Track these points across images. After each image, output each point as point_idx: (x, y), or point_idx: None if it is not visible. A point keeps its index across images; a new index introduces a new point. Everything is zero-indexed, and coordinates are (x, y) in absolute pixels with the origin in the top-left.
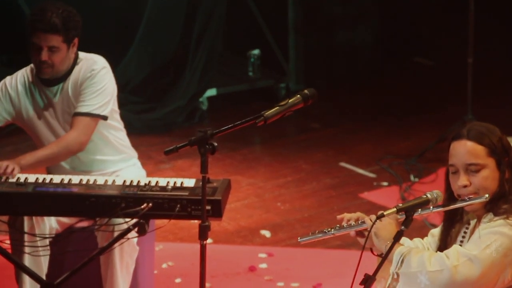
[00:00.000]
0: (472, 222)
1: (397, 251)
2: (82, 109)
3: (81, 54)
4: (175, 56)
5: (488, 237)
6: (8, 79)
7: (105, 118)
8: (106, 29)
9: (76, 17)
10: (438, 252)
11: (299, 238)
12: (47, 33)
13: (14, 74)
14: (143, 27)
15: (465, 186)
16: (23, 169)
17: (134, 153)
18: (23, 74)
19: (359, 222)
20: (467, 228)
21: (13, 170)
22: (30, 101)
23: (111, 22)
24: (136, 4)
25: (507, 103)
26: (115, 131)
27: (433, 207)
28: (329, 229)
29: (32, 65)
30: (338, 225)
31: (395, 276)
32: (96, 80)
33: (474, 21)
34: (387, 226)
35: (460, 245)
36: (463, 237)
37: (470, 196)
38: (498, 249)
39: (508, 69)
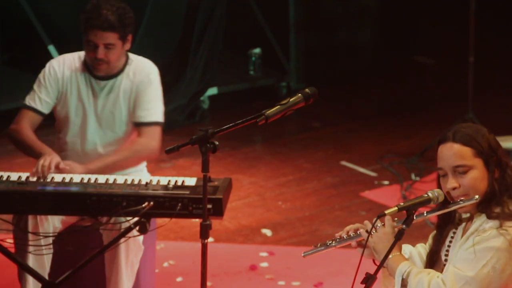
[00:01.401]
0: (464, 221)
1: (398, 270)
2: (148, 118)
3: (132, 55)
4: (176, 55)
5: (484, 255)
6: (54, 62)
7: (163, 124)
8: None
9: (130, 13)
10: (435, 274)
11: (303, 253)
12: (104, 30)
13: (60, 58)
14: (144, 26)
15: (454, 189)
16: (90, 173)
17: (144, 162)
18: (70, 59)
19: (358, 232)
20: (456, 228)
21: (57, 164)
22: (75, 88)
23: None
24: (137, 3)
25: (508, 102)
26: None
27: (426, 212)
28: (330, 241)
29: (79, 53)
30: (338, 237)
31: None
32: (155, 86)
33: (475, 20)
34: (383, 238)
35: (449, 245)
36: (452, 237)
37: (462, 199)
38: (495, 266)
39: (509, 68)
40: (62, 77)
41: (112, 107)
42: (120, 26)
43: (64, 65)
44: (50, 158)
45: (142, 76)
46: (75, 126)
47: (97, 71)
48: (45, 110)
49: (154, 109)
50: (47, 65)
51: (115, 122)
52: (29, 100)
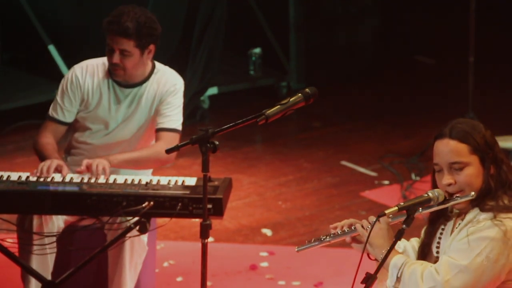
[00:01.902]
0: (454, 216)
1: (392, 263)
2: (170, 124)
3: (159, 65)
4: (176, 54)
5: (478, 244)
6: (77, 68)
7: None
8: (158, 34)
9: (154, 24)
10: (429, 265)
11: (296, 248)
12: (119, 36)
13: (83, 64)
14: None
15: (449, 185)
16: (113, 166)
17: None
18: (93, 66)
19: (352, 228)
20: (445, 223)
21: (104, 168)
22: (97, 94)
23: None
24: (137, 3)
25: (508, 101)
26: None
27: (421, 208)
28: (324, 237)
29: (103, 59)
30: (332, 233)
31: None
32: (179, 95)
33: (475, 20)
34: (378, 233)
35: (440, 238)
36: (443, 228)
37: (457, 195)
38: (489, 256)
39: (509, 67)
40: (84, 84)
41: (132, 115)
42: (137, 35)
43: (87, 72)
44: (51, 161)
45: (168, 86)
46: (93, 131)
47: (114, 76)
48: (69, 119)
49: (176, 116)
50: (70, 72)
51: (133, 130)
52: (52, 112)
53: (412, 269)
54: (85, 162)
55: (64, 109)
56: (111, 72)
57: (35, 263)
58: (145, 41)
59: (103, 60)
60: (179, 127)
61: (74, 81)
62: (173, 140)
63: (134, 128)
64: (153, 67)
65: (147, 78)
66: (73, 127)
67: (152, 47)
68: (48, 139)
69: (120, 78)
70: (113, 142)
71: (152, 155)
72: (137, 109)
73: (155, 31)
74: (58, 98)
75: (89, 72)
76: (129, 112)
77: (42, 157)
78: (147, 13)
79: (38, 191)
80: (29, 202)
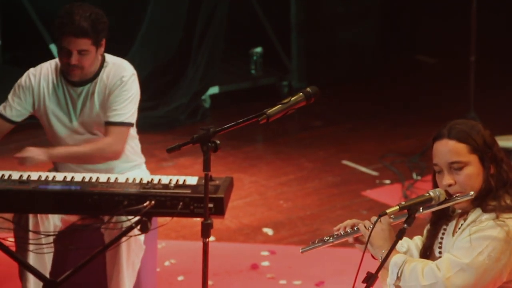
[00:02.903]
0: (455, 216)
1: (392, 261)
2: (116, 118)
3: (108, 57)
4: (177, 54)
5: (479, 243)
6: (32, 71)
7: (133, 125)
8: (108, 27)
9: (104, 18)
10: (430, 262)
11: (300, 249)
12: (77, 37)
13: (38, 67)
14: (146, 25)
15: (450, 185)
16: (52, 159)
17: (142, 159)
18: (47, 68)
19: (355, 228)
20: (447, 224)
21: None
22: (53, 97)
23: (113, 20)
24: (139, 2)
25: (509, 101)
26: (130, 140)
27: (422, 208)
28: (328, 238)
29: (56, 60)
30: (336, 233)
31: None
32: (127, 87)
33: (477, 19)
34: (380, 234)
35: (442, 238)
36: (444, 228)
37: (458, 195)
38: (491, 254)
39: (510, 67)
40: (38, 87)
41: (90, 111)
42: (93, 32)
43: (41, 75)
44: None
45: (115, 78)
46: (59, 133)
47: (71, 76)
48: (16, 118)
49: (123, 109)
50: (25, 74)
51: (93, 126)
52: (1, 107)
53: (412, 266)
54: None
55: (13, 107)
56: (67, 73)
57: (32, 262)
58: (100, 37)
59: (56, 61)
60: (128, 120)
61: (27, 84)
62: (120, 134)
63: (97, 125)
64: (103, 61)
65: (97, 74)
66: (48, 139)
67: (104, 41)
68: None
69: (77, 78)
70: (83, 141)
71: (96, 151)
72: (92, 106)
73: (106, 25)
74: (9, 97)
75: (43, 74)
76: (85, 110)
77: None
78: (94, 8)
79: (39, 191)
80: (30, 201)
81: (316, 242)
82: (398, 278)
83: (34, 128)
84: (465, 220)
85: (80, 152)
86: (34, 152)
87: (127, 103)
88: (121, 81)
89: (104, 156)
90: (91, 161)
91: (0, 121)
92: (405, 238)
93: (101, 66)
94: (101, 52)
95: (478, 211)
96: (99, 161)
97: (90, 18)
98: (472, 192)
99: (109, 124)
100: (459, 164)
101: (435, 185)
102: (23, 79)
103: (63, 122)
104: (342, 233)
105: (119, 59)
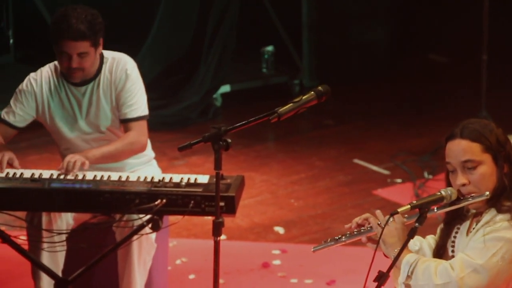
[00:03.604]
0: (469, 217)
1: (405, 260)
2: (133, 113)
3: (106, 53)
4: (189, 52)
5: (494, 244)
6: (32, 76)
7: (148, 116)
8: (120, 26)
9: (99, 18)
10: (443, 261)
11: (312, 248)
12: (75, 40)
13: (38, 71)
14: (157, 24)
15: (463, 185)
16: (90, 163)
17: (152, 154)
18: (47, 72)
19: (367, 227)
20: (461, 224)
21: (83, 164)
22: (56, 100)
23: (125, 18)
24: (150, 1)
25: None
26: None
27: (436, 208)
28: (340, 236)
29: (55, 62)
30: (348, 232)
31: (404, 287)
32: (134, 80)
33: (489, 18)
34: (393, 232)
35: (455, 237)
36: (458, 228)
37: (472, 195)
38: (504, 256)
39: None
40: (40, 91)
41: (96, 109)
42: (91, 34)
43: (42, 79)
44: (2, 154)
45: (119, 73)
46: (67, 135)
47: (73, 79)
48: (19, 124)
49: (138, 103)
50: (26, 79)
51: (101, 123)
52: (4, 114)
53: (426, 265)
54: (66, 159)
55: (16, 113)
56: (68, 76)
57: (45, 260)
58: (98, 37)
59: (55, 63)
60: (144, 112)
61: (28, 89)
62: (142, 128)
63: (104, 121)
64: (102, 57)
65: (99, 71)
66: (54, 139)
67: (101, 40)
68: None
69: (78, 80)
70: (91, 140)
71: (126, 147)
72: (98, 104)
73: (102, 25)
74: (12, 102)
75: (44, 78)
76: (92, 109)
77: None
78: (88, 9)
79: (51, 189)
80: (42, 199)
81: (328, 241)
82: (409, 276)
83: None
84: (479, 220)
85: (111, 151)
86: (76, 157)
87: (138, 96)
88: (126, 74)
89: (133, 150)
90: (122, 157)
91: (4, 127)
92: (417, 237)
93: (101, 62)
94: (99, 51)
95: (492, 211)
96: (129, 155)
97: (86, 20)
98: (487, 192)
99: (128, 121)
100: (472, 163)
101: (449, 184)
102: (24, 84)
103: (69, 124)
104: (355, 232)
105: (116, 53)
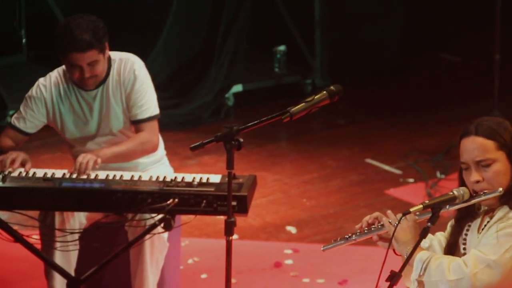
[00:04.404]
0: (480, 214)
1: (418, 257)
2: (144, 114)
3: (112, 54)
4: (201, 52)
5: (507, 240)
6: (41, 81)
7: (159, 115)
8: (132, 26)
9: (101, 23)
10: (456, 258)
11: (322, 247)
12: (83, 52)
13: (47, 76)
14: (170, 24)
15: (477, 182)
16: (102, 162)
17: (163, 152)
18: (56, 77)
19: (378, 225)
20: (472, 221)
21: (95, 162)
22: (67, 105)
23: (138, 18)
24: (163, 0)
25: None
26: None
27: (449, 205)
28: (350, 235)
29: (63, 67)
30: (358, 231)
31: (417, 284)
32: (142, 81)
33: (501, 17)
34: (406, 230)
35: (466, 235)
36: (469, 225)
37: (485, 191)
38: None
39: None
40: (50, 97)
41: (107, 112)
42: (97, 42)
43: (51, 84)
44: (17, 153)
45: (127, 74)
46: (78, 139)
47: (87, 87)
48: (30, 130)
49: (148, 103)
50: (35, 85)
51: (113, 125)
52: (14, 120)
53: (439, 262)
54: (78, 159)
55: (26, 119)
56: (83, 85)
57: (58, 259)
58: (103, 43)
59: (63, 69)
60: (155, 112)
61: (38, 95)
62: (153, 128)
63: (115, 123)
64: (109, 59)
65: (107, 73)
66: (67, 145)
67: (107, 44)
68: (8, 141)
69: (92, 87)
70: (103, 143)
71: (137, 147)
72: (109, 106)
73: (105, 29)
74: (22, 108)
75: (54, 84)
76: (103, 112)
77: (1, 153)
78: (88, 16)
79: (63, 188)
80: (54, 199)
81: (338, 240)
82: (422, 273)
83: None
84: (491, 217)
85: (123, 150)
86: (87, 157)
87: (148, 95)
88: (134, 75)
89: (145, 150)
90: (133, 157)
91: (14, 133)
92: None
93: (109, 64)
94: (107, 55)
95: (505, 208)
96: (140, 155)
97: (89, 28)
98: (500, 189)
99: (139, 122)
100: (487, 161)
101: (462, 182)
102: (33, 90)
103: (80, 128)
104: (365, 230)
105: (123, 53)
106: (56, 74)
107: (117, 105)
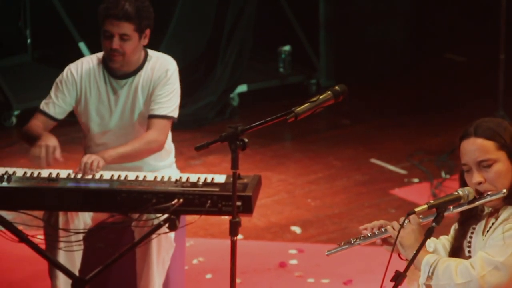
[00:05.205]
0: (485, 216)
1: (425, 261)
2: (160, 111)
3: (151, 52)
4: (206, 52)
5: None
6: (73, 66)
7: (175, 120)
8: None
9: (150, 8)
10: (463, 260)
11: (326, 252)
12: (119, 20)
13: (79, 61)
14: (174, 23)
15: (479, 183)
16: (107, 163)
17: (173, 159)
18: (88, 62)
19: (383, 229)
20: (476, 223)
21: (98, 163)
22: (94, 91)
23: None
24: (167, 1)
25: None
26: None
27: (453, 207)
28: (354, 239)
29: (98, 54)
30: (362, 235)
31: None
32: (171, 81)
33: (506, 17)
34: (410, 234)
35: (471, 237)
36: (473, 228)
37: (489, 193)
38: None
39: None
40: (80, 80)
41: (132, 104)
42: (137, 18)
43: (82, 68)
44: (45, 144)
45: (160, 72)
46: (99, 126)
47: (113, 62)
48: (59, 115)
49: (168, 103)
50: (66, 69)
51: (135, 119)
52: (43, 105)
53: (446, 265)
54: (82, 160)
55: (56, 104)
56: (108, 59)
57: (62, 259)
58: (144, 25)
59: (97, 55)
60: (171, 113)
61: (69, 78)
62: (164, 127)
63: (136, 116)
64: (146, 54)
65: (141, 66)
66: (82, 128)
67: (148, 31)
68: (39, 125)
69: (118, 65)
70: (121, 136)
71: (143, 146)
72: (135, 98)
73: (152, 14)
74: (52, 93)
75: (85, 68)
76: (128, 102)
77: (31, 136)
78: None
79: (68, 188)
80: (59, 199)
81: (342, 244)
82: (430, 277)
83: (65, 126)
84: (496, 218)
85: (128, 151)
86: (92, 158)
87: (171, 97)
88: (165, 74)
89: (151, 149)
90: (139, 157)
91: (44, 119)
92: (431, 238)
93: (145, 59)
94: (144, 43)
95: (510, 209)
96: (146, 155)
97: (135, 3)
98: (504, 190)
99: (152, 117)
100: (487, 161)
101: (463, 184)
102: (64, 74)
103: (101, 118)
104: (369, 234)
105: (162, 53)
106: (88, 60)
107: (143, 99)
